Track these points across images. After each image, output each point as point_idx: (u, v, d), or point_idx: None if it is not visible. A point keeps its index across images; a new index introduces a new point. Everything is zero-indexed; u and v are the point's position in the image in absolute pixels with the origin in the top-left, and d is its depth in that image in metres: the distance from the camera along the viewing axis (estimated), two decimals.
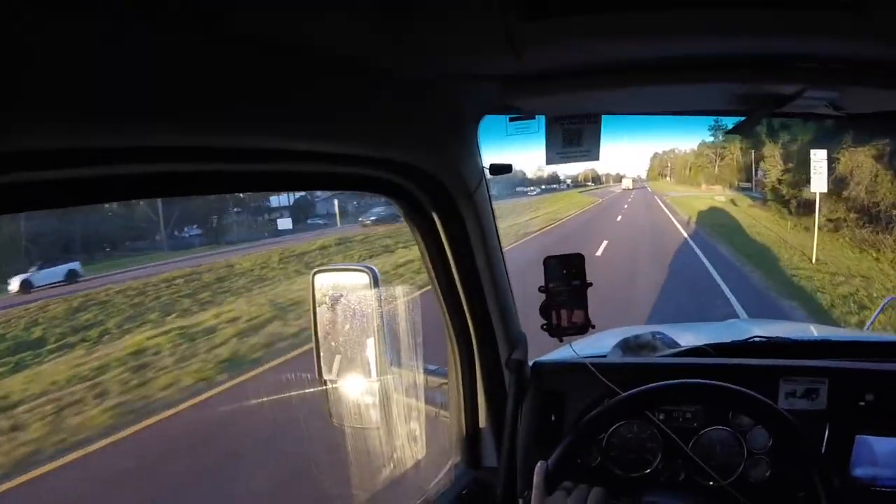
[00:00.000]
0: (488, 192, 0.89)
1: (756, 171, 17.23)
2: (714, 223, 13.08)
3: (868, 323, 1.49)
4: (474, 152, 0.86)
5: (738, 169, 20.26)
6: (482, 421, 1.02)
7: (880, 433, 0.94)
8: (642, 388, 0.85)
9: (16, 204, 0.41)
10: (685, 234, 11.81)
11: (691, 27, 0.56)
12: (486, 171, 0.89)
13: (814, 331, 1.70)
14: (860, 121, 0.97)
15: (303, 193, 18.06)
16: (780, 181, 12.68)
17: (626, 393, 0.86)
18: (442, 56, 0.61)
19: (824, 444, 0.97)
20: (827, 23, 0.53)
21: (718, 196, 19.15)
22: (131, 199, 0.48)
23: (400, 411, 1.10)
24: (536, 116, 0.86)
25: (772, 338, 1.12)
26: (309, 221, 19.32)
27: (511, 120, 0.87)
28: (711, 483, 0.98)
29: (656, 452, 1.01)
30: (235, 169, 0.54)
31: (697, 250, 9.59)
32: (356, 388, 1.15)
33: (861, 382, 0.96)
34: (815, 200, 9.28)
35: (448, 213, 0.85)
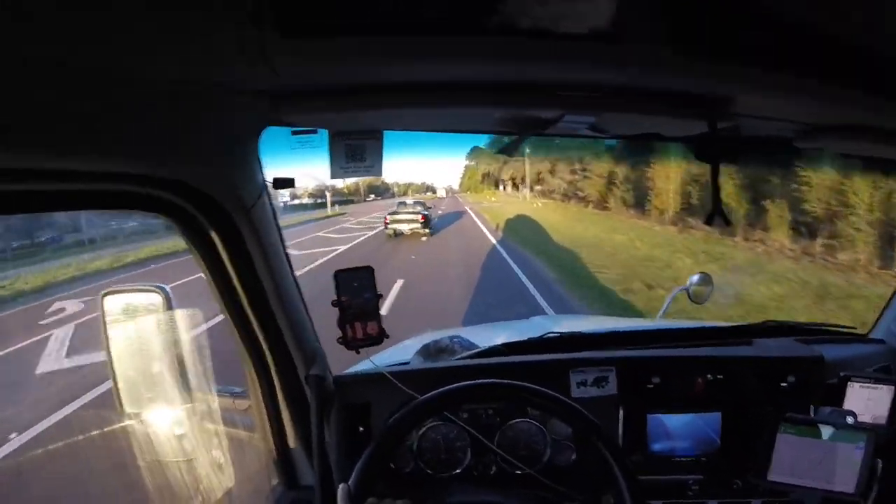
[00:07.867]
0: (272, 206, 0.87)
1: None
2: None
3: (659, 313, 1.71)
4: (253, 166, 0.82)
5: None
6: (291, 440, 1.00)
7: (670, 411, 1.08)
8: (435, 392, 0.87)
9: None
10: None
11: (452, 52, 0.57)
12: (269, 185, 0.87)
13: (608, 324, 1.90)
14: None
15: None
16: None
17: (422, 397, 0.88)
18: (196, 68, 0.57)
19: (620, 425, 1.08)
20: (586, 53, 0.56)
21: None
22: None
23: (205, 439, 1.03)
24: (319, 131, 0.86)
25: (564, 333, 1.22)
26: None
27: (294, 133, 0.85)
28: (519, 472, 1.06)
29: (466, 450, 1.06)
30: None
31: None
32: (160, 419, 1.06)
33: (647, 368, 1.09)
34: None
35: (225, 230, 0.81)
